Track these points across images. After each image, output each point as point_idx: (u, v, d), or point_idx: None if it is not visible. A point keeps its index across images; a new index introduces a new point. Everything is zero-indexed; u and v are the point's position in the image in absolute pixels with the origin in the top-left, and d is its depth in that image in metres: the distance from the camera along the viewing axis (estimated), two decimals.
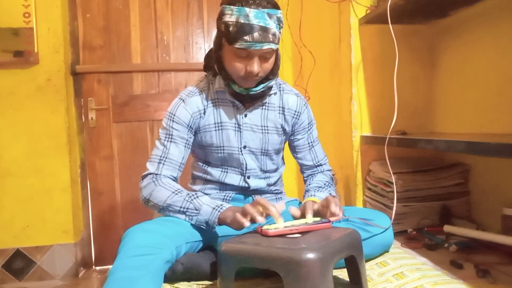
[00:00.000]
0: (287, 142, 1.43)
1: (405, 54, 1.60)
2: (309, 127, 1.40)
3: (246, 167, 1.31)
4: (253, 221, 1.03)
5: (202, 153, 1.32)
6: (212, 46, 1.26)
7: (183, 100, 1.27)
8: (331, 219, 1.08)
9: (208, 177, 1.33)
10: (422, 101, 1.69)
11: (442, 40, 1.63)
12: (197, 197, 1.16)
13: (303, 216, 1.13)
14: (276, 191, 1.41)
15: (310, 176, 1.43)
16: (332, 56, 1.84)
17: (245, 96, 1.25)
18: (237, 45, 1.12)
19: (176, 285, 1.08)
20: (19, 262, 2.19)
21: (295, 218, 1.16)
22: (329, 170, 1.45)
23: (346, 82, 1.68)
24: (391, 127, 1.36)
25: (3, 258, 2.18)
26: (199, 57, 2.48)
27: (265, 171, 1.36)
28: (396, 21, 1.45)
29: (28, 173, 2.19)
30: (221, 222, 1.11)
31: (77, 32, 2.36)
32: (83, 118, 2.38)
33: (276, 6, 1.14)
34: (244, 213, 1.04)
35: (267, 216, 1.08)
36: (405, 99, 1.61)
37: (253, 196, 1.35)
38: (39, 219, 2.20)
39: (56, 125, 2.20)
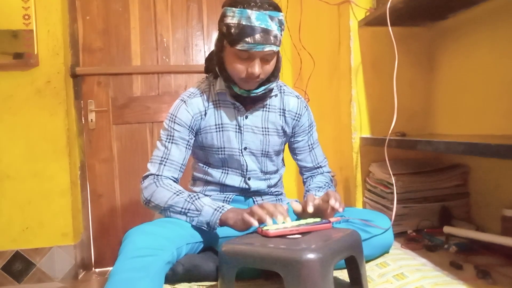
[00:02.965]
0: (287, 143, 1.44)
1: (404, 56, 1.61)
2: (309, 129, 1.41)
3: (246, 169, 1.32)
4: (260, 221, 1.04)
5: (203, 154, 1.33)
6: (212, 48, 1.26)
7: (185, 102, 1.28)
8: (331, 219, 1.08)
9: (209, 178, 1.33)
10: (421, 103, 1.70)
11: (441, 43, 1.64)
12: (198, 198, 1.16)
13: (304, 210, 1.13)
14: (277, 192, 1.41)
15: (310, 177, 1.43)
16: (332, 58, 1.84)
17: (246, 98, 1.26)
18: (238, 47, 1.12)
19: (176, 286, 1.08)
20: (19, 265, 2.18)
21: (296, 212, 1.16)
22: (328, 172, 1.45)
23: (345, 84, 1.68)
24: (391, 129, 1.37)
25: (2, 260, 2.17)
26: (199, 59, 2.49)
27: (266, 173, 1.36)
28: (395, 23, 1.46)
29: (27, 176, 2.18)
30: (222, 223, 1.11)
31: (77, 34, 2.37)
32: (83, 120, 2.38)
33: (277, 9, 1.15)
34: (252, 214, 1.05)
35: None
36: (404, 101, 1.62)
37: (253, 197, 1.35)
38: (38, 222, 2.19)
39: (55, 127, 2.20)
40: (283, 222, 1.02)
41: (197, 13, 2.48)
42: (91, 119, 2.38)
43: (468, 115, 1.50)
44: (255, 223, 1.03)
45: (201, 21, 2.48)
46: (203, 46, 2.50)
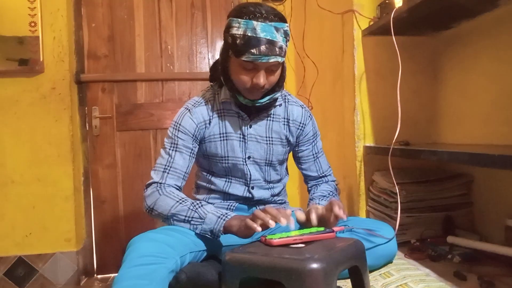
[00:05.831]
0: (291, 152, 1.44)
1: (408, 65, 1.61)
2: (314, 139, 1.41)
3: (250, 178, 1.32)
4: (264, 226, 1.03)
5: (207, 163, 1.33)
6: (216, 56, 1.27)
7: (189, 110, 1.28)
8: (335, 229, 1.08)
9: (212, 186, 1.33)
10: (425, 112, 1.70)
11: (445, 52, 1.64)
12: (202, 206, 1.16)
13: (308, 219, 1.13)
14: (280, 201, 1.41)
15: (314, 186, 1.43)
16: (335, 67, 1.85)
17: (250, 107, 1.26)
18: (243, 58, 1.13)
19: None
20: (21, 270, 2.18)
21: (300, 222, 1.16)
22: (333, 181, 1.45)
23: (349, 93, 1.69)
24: (395, 138, 1.37)
25: (5, 266, 2.17)
26: (203, 66, 2.50)
27: (269, 182, 1.36)
28: (399, 32, 1.47)
29: (31, 181, 2.19)
30: (226, 230, 1.11)
31: (82, 41, 2.39)
32: (87, 127, 2.39)
33: (283, 20, 1.15)
34: (255, 219, 1.05)
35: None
36: (408, 110, 1.62)
37: (257, 206, 1.35)
38: (41, 227, 2.20)
39: (59, 133, 2.21)
40: (287, 226, 1.02)
41: (201, 20, 2.50)
42: (95, 126, 2.39)
43: (472, 123, 1.50)
44: (258, 228, 1.03)
45: (205, 28, 2.50)
46: (207, 54, 2.51)
